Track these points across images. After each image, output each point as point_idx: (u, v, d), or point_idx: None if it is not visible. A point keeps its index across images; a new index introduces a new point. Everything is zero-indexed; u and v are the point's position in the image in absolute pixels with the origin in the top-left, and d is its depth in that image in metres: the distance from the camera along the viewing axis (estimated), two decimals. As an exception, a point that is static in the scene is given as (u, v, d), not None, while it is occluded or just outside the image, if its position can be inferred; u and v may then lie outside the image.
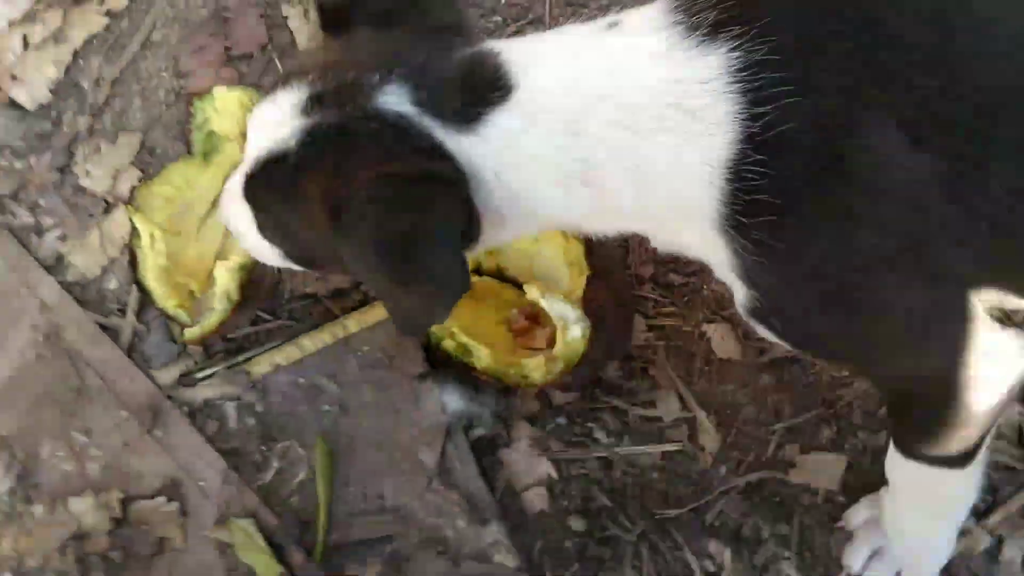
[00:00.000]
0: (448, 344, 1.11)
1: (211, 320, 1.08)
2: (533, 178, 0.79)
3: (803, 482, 1.12)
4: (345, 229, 0.78)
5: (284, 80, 0.82)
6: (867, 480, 1.12)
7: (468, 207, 0.79)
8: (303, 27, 1.27)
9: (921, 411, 0.90)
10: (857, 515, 1.10)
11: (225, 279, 1.07)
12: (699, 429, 1.15)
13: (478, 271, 1.17)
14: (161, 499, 1.10)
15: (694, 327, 1.19)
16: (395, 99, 0.77)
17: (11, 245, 1.20)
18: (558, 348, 1.07)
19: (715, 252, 0.79)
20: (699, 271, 1.21)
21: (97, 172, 1.23)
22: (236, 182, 0.88)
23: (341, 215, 0.78)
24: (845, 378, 1.16)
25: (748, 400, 1.16)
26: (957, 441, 0.91)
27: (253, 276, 1.08)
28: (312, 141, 0.79)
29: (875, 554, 1.08)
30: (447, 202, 0.78)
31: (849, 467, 1.13)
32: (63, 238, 1.22)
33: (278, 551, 1.07)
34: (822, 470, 1.13)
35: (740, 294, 0.81)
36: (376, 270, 0.80)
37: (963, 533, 1.06)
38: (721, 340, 1.18)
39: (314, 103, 0.80)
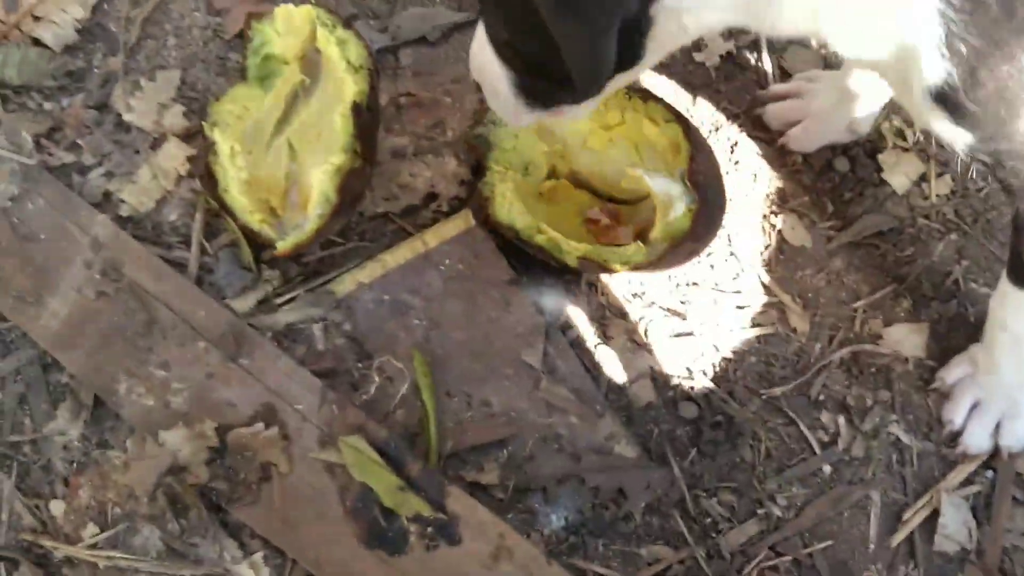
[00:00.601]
0: (540, 239, 1.06)
1: (309, 227, 0.99)
2: None
3: (893, 352, 1.11)
4: None
5: None
6: (947, 345, 1.12)
7: None
8: (338, -45, 1.22)
9: None
10: (951, 374, 1.09)
11: (323, 181, 0.98)
12: (787, 312, 1.13)
13: (553, 175, 1.13)
14: (259, 425, 0.99)
15: (763, 220, 1.17)
16: None
17: (51, 184, 1.08)
18: (658, 229, 1.04)
19: (917, 21, 0.72)
20: (762, 166, 1.20)
21: (140, 107, 1.12)
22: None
23: None
24: (908, 256, 1.17)
25: (825, 283, 1.15)
26: None
27: (348, 180, 1.00)
28: None
29: (973, 408, 1.08)
30: None
31: (930, 334, 1.13)
32: (109, 175, 1.10)
33: (393, 464, 0.97)
34: (907, 339, 1.12)
35: (936, 73, 0.74)
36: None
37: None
38: (792, 230, 1.17)
39: None
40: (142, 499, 0.96)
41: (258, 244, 1.05)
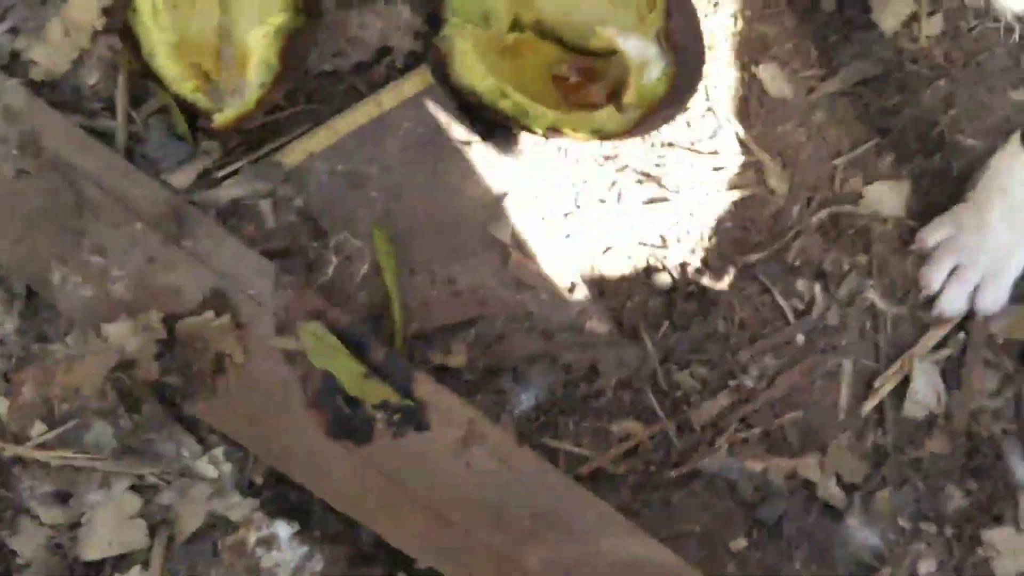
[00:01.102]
0: (505, 104, 0.94)
1: (250, 98, 0.86)
2: None
3: (872, 212, 1.05)
4: None
5: None
6: (928, 203, 1.06)
7: None
8: None
9: None
10: (932, 236, 1.03)
11: (263, 46, 0.85)
12: (765, 172, 1.04)
13: (517, 27, 1.00)
14: (209, 313, 0.90)
15: (743, 70, 1.06)
16: None
17: (-50, 45, 0.93)
18: (631, 93, 0.93)
19: None
20: (744, 6, 1.08)
21: (42, -52, 0.96)
22: None
23: None
24: (893, 105, 1.08)
25: (806, 138, 1.06)
26: None
27: (291, 42, 0.87)
28: None
29: (951, 272, 1.03)
30: None
31: (911, 191, 1.06)
32: (14, 32, 0.95)
33: (356, 350, 0.91)
34: (887, 197, 1.05)
35: None
36: None
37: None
38: (772, 80, 1.07)
39: None
40: (90, 396, 0.88)
41: (192, 112, 0.92)
